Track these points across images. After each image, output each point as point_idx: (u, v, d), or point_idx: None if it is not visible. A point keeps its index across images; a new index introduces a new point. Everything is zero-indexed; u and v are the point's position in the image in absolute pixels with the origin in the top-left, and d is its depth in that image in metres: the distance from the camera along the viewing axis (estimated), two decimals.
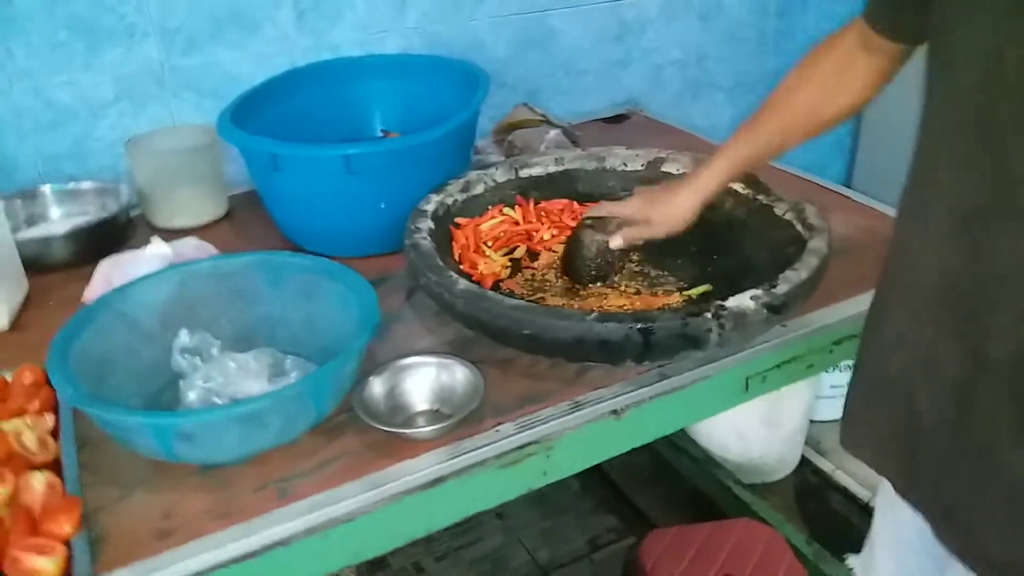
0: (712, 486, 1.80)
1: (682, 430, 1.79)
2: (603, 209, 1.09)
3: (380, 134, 1.45)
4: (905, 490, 0.82)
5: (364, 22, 1.51)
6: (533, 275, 1.13)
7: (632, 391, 0.95)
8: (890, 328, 0.81)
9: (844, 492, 1.85)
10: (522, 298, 1.07)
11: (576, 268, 1.09)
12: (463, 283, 0.96)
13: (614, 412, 0.93)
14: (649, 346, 0.90)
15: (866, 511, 1.77)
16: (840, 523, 1.80)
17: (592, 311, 0.91)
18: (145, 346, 0.96)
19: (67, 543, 0.76)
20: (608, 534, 1.83)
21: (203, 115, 1.43)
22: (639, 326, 0.89)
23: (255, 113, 1.25)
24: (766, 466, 1.84)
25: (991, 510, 0.72)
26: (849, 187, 2.06)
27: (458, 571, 1.76)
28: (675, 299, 1.06)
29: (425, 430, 0.86)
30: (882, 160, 2.02)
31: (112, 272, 1.10)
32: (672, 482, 1.88)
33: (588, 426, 0.92)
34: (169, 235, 1.21)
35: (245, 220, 1.38)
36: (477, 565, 1.77)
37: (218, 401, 0.89)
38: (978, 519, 0.73)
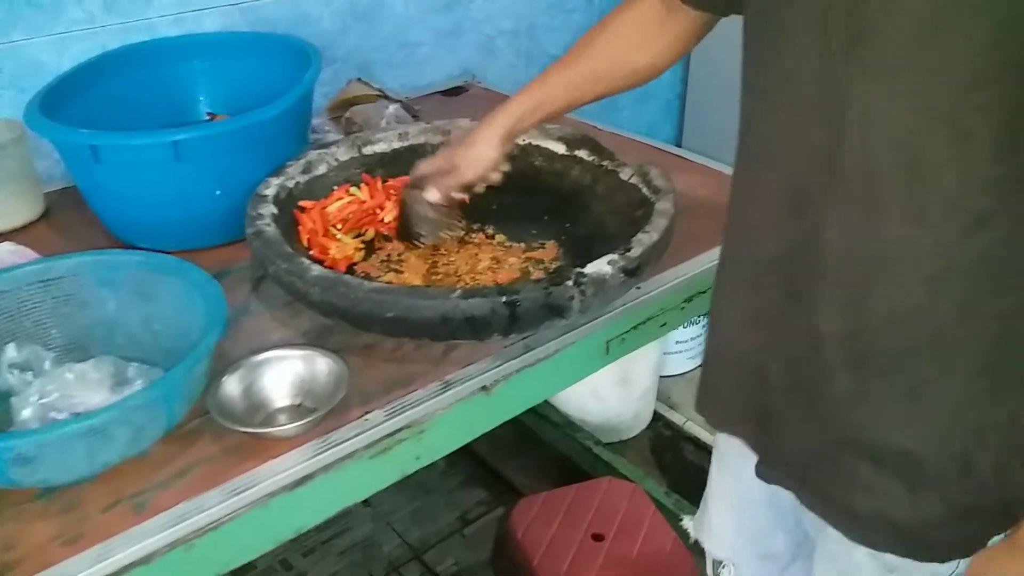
0: (574, 449, 1.85)
1: None
2: (420, 167, 1.08)
3: (207, 118, 1.36)
4: (764, 459, 0.85)
5: None
6: (389, 255, 1.10)
7: (500, 365, 0.94)
8: (733, 302, 0.83)
9: (696, 442, 1.94)
10: (379, 280, 1.04)
11: (405, 229, 1.10)
12: (317, 269, 0.92)
13: (484, 388, 0.92)
14: (515, 318, 0.89)
15: None
16: (695, 471, 1.88)
17: (455, 288, 0.89)
18: None
19: None
20: (478, 507, 1.84)
21: (4, 108, 1.29)
22: (504, 299, 0.88)
23: (66, 102, 1.13)
24: (623, 424, 1.90)
25: (848, 470, 0.75)
26: (680, 147, 2.16)
27: (328, 564, 1.71)
28: (524, 265, 1.07)
29: (287, 428, 0.82)
30: (710, 119, 2.11)
31: None
32: (536, 449, 1.91)
33: (459, 405, 0.90)
34: None
35: (66, 219, 1.25)
36: (348, 555, 1.74)
37: (58, 417, 0.81)
38: (837, 481, 0.77)
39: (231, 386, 0.85)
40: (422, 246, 1.10)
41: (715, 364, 0.89)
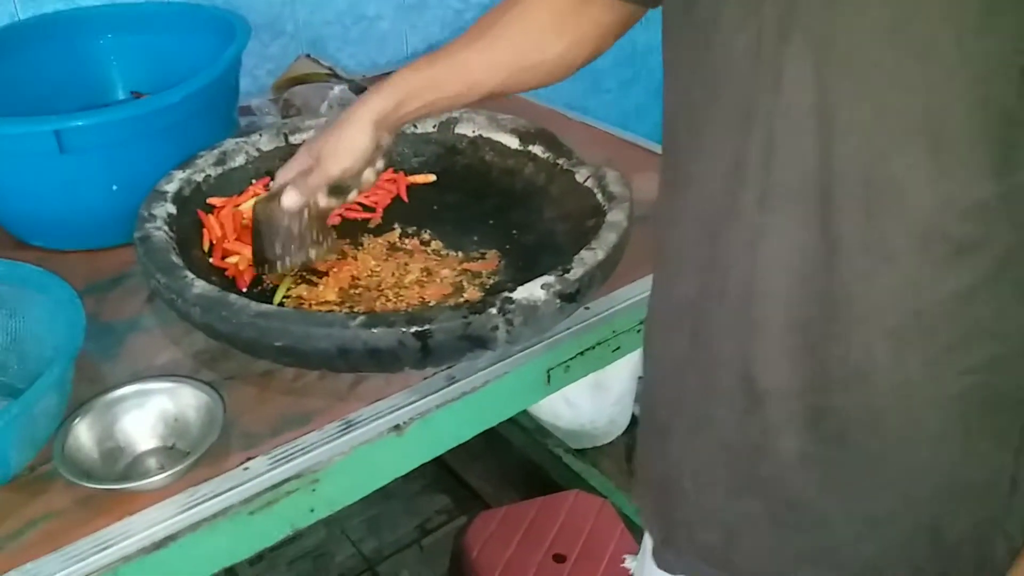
0: (544, 457, 1.73)
1: None
2: (279, 175, 0.88)
3: (131, 97, 1.22)
4: (667, 540, 0.73)
5: None
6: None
7: (416, 401, 0.81)
8: (652, 357, 0.72)
9: None
10: (289, 293, 0.91)
11: (260, 254, 0.88)
12: (200, 286, 0.79)
13: (395, 428, 0.80)
14: (428, 351, 0.76)
15: None
16: None
17: (357, 314, 0.76)
18: None
19: None
20: (438, 516, 1.73)
21: None
22: (413, 330, 0.75)
23: None
24: (597, 430, 1.78)
25: (791, 546, 0.64)
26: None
27: (275, 575, 1.60)
28: (458, 279, 0.93)
29: (145, 482, 0.69)
30: None
31: None
32: (503, 455, 1.79)
33: (364, 448, 0.78)
34: None
35: None
36: (297, 565, 1.63)
37: None
38: (775, 560, 0.65)
39: (82, 432, 0.72)
40: (277, 275, 0.91)
41: (640, 426, 0.77)
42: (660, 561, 0.72)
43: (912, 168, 0.50)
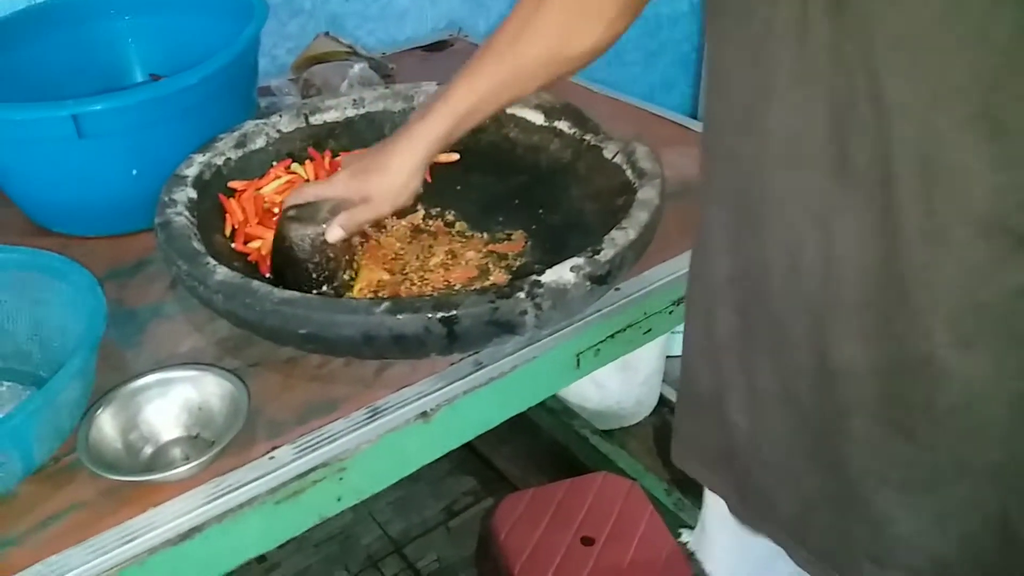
0: (571, 438, 1.71)
1: None
2: (307, 192, 0.85)
3: (149, 80, 1.20)
4: (748, 507, 0.71)
5: None
6: None
7: (443, 387, 0.79)
8: (700, 331, 0.69)
9: None
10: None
11: (290, 274, 0.85)
12: (222, 272, 0.77)
13: (423, 415, 0.78)
14: (454, 337, 0.74)
15: None
16: None
17: (382, 300, 0.74)
18: None
19: None
20: (465, 498, 1.72)
21: None
22: (440, 316, 0.73)
23: None
24: (624, 411, 1.76)
25: (854, 539, 0.62)
26: (697, 104, 1.95)
27: (302, 557, 1.61)
28: (484, 261, 0.91)
29: (170, 474, 0.68)
30: None
31: None
32: (530, 437, 1.77)
33: (391, 436, 0.76)
34: None
35: None
36: (324, 547, 1.63)
37: None
38: (841, 553, 0.63)
39: (105, 422, 0.71)
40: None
41: (682, 401, 0.75)
42: (742, 519, 0.71)
43: (971, 156, 0.47)
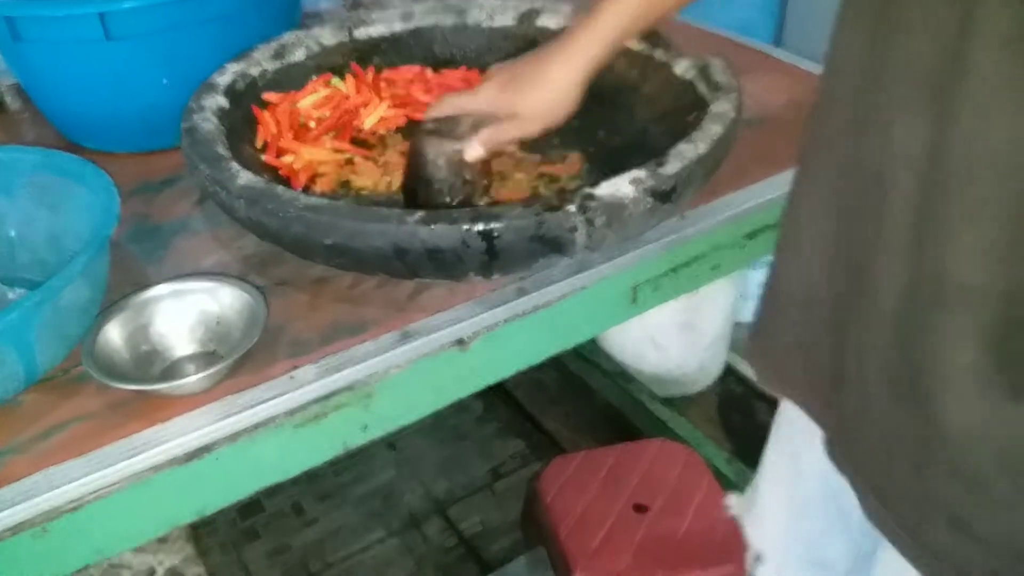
0: (626, 403, 1.62)
1: (592, 340, 1.58)
2: (448, 104, 0.77)
3: None
4: (833, 437, 0.62)
5: None
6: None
7: (481, 313, 0.71)
8: (808, 236, 0.60)
9: (772, 402, 1.68)
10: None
11: (424, 193, 0.78)
12: (245, 177, 0.70)
13: (459, 342, 0.70)
14: (495, 254, 0.66)
15: None
16: (766, 437, 1.63)
17: (416, 210, 0.66)
18: None
19: None
20: (512, 460, 1.65)
21: None
22: (478, 228, 0.65)
23: None
24: (685, 377, 1.66)
25: (934, 496, 0.52)
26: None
27: (343, 513, 1.56)
28: (535, 183, 0.83)
29: (177, 383, 0.62)
30: (819, 18, 1.76)
31: None
32: (582, 400, 1.69)
33: (423, 361, 0.69)
34: None
35: (14, 115, 1.08)
36: (365, 503, 1.58)
37: None
38: (917, 508, 0.54)
39: (113, 332, 0.65)
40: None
41: (774, 308, 0.67)
42: (831, 455, 0.63)
43: None
